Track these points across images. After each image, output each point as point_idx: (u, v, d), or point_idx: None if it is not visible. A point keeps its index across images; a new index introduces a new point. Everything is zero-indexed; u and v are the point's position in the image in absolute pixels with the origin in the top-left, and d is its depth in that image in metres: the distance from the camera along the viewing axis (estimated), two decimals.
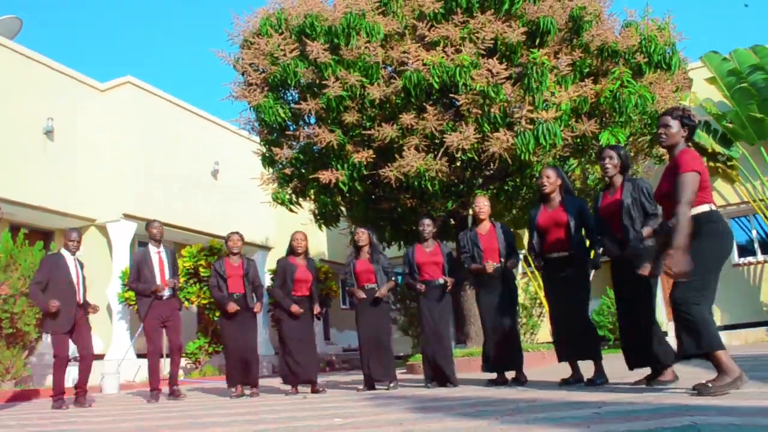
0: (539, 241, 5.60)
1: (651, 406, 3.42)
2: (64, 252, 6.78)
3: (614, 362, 5.82)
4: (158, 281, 7.00)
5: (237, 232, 7.27)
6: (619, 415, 3.13)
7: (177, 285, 7.20)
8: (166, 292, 7.04)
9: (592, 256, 5.47)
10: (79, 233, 7.01)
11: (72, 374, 6.89)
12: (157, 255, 7.13)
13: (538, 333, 15.07)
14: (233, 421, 4.28)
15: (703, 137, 13.68)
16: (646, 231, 4.65)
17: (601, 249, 5.14)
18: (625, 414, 3.16)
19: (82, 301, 6.73)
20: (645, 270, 4.42)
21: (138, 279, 7.02)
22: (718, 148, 13.83)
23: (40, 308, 6.73)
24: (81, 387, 6.68)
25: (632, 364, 4.96)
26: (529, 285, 15.33)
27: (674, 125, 4.09)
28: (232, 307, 6.86)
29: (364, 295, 6.66)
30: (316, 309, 6.99)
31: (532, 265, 13.28)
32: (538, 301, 15.25)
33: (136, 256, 7.27)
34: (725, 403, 3.28)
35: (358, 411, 4.38)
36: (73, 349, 6.75)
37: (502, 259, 6.09)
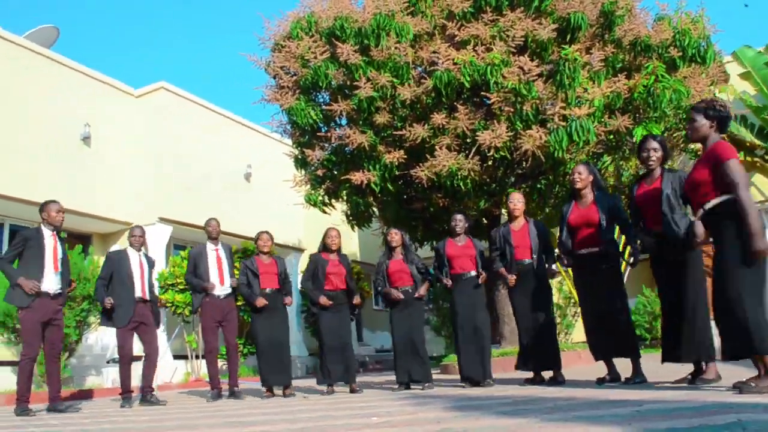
0: (569, 238, 5.56)
1: (694, 404, 3.36)
2: (129, 249, 6.95)
3: (651, 362, 5.73)
4: (213, 279, 7.08)
5: (266, 232, 7.30)
6: (661, 413, 3.08)
7: (234, 284, 7.15)
8: (222, 291, 7.08)
9: (627, 255, 5.42)
10: (142, 229, 7.14)
11: (137, 371, 6.99)
12: (214, 252, 7.21)
13: (573, 333, 14.90)
14: (270, 420, 4.31)
15: (741, 131, 13.40)
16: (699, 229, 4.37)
17: (639, 244, 5.06)
18: (668, 412, 3.11)
19: (146, 297, 6.82)
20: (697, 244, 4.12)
21: (194, 274, 7.10)
22: (757, 141, 13.53)
23: (100, 304, 6.87)
24: (146, 385, 6.80)
25: (668, 357, 4.84)
26: (563, 284, 15.16)
27: (699, 118, 4.05)
28: (261, 301, 6.88)
29: (401, 296, 6.65)
30: (356, 300, 6.96)
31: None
32: (572, 300, 15.09)
33: (193, 252, 7.34)
34: None
35: (395, 410, 4.38)
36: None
37: (534, 256, 6.04)
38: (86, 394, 8.91)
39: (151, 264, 7.10)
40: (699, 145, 10.06)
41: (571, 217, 5.52)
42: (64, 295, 6.34)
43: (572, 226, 5.52)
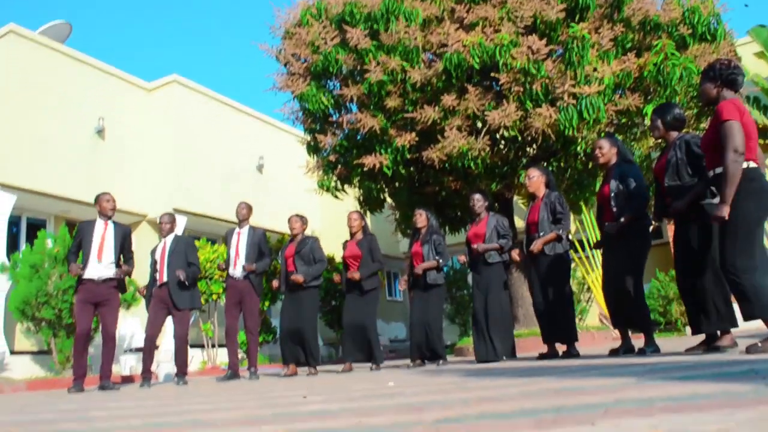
0: (599, 216, 5.57)
1: (707, 361, 3.40)
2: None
3: (664, 343, 5.72)
4: (231, 260, 7.19)
5: (296, 215, 7.41)
6: (676, 368, 3.12)
7: (252, 268, 7.05)
8: (237, 272, 7.12)
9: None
10: (170, 216, 7.46)
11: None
12: (237, 235, 7.32)
13: (587, 318, 14.89)
14: (290, 387, 4.39)
15: (754, 113, 13.30)
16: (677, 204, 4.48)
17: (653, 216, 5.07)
18: (682, 367, 3.15)
19: (164, 280, 7.02)
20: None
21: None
22: None
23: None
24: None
25: (697, 328, 4.80)
26: (576, 270, 15.12)
27: (703, 82, 4.09)
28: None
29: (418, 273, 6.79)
30: (353, 275, 6.93)
31: (579, 250, 13.19)
32: (586, 286, 15.06)
33: (226, 233, 7.62)
34: None
35: (411, 378, 4.45)
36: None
37: (541, 234, 5.93)
38: (126, 380, 9.31)
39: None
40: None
41: (597, 195, 5.57)
42: (114, 278, 6.53)
43: (598, 203, 5.55)
